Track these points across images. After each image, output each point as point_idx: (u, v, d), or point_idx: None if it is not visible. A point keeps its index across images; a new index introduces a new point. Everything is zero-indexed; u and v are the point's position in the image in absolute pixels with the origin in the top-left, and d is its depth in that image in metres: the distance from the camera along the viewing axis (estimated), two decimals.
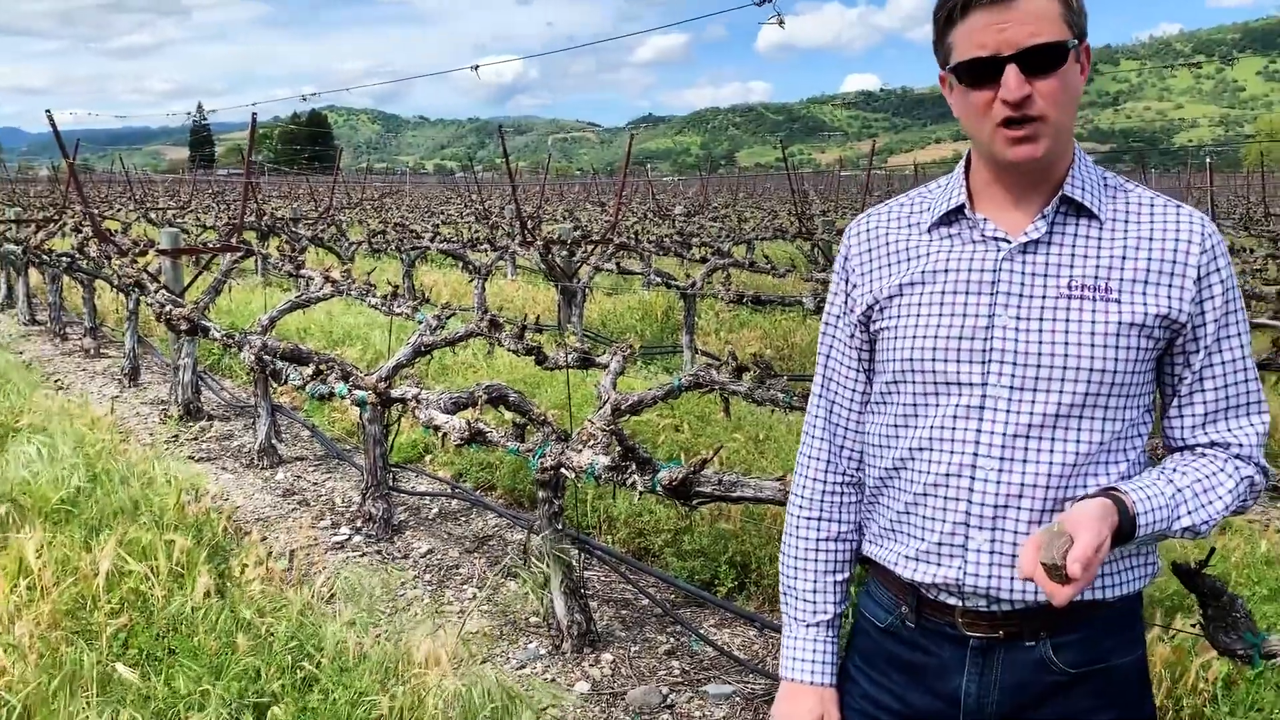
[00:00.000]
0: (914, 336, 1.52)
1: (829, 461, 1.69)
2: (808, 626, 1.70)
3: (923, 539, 1.53)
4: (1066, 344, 1.44)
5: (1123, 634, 1.54)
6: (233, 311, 10.50)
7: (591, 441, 3.43)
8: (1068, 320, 1.44)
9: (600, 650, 3.87)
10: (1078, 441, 1.45)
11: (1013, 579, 1.47)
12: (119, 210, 23.29)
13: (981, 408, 1.47)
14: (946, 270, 1.52)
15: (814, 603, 1.69)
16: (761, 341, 9.42)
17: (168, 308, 6.12)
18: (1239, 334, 1.50)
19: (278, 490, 5.92)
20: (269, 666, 3.09)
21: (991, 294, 1.48)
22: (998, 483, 1.46)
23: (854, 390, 1.66)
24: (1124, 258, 1.46)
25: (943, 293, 1.51)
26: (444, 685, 3.04)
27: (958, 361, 1.48)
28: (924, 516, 1.52)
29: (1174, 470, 1.49)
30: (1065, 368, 1.44)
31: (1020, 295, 1.47)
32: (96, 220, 9.49)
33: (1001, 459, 1.46)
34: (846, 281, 1.65)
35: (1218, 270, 1.47)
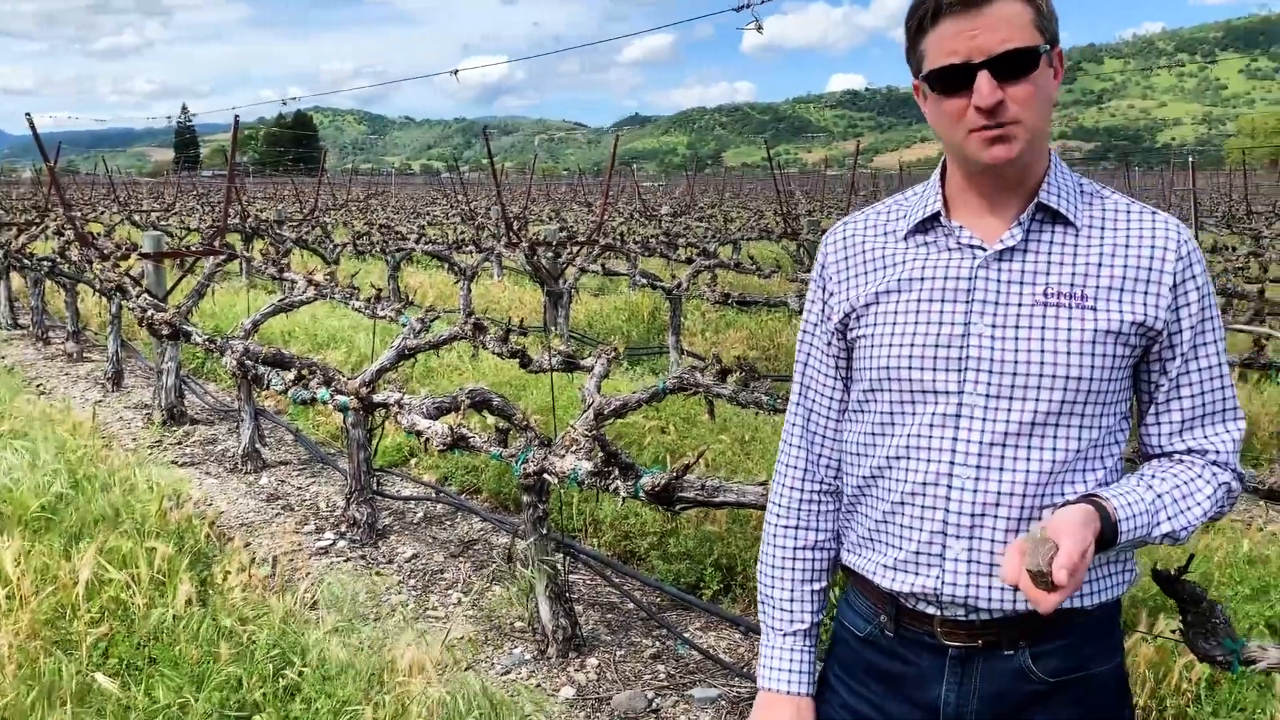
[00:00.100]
0: (890, 344, 1.51)
1: (806, 469, 1.68)
2: (785, 635, 1.69)
3: (900, 548, 1.52)
4: (1043, 351, 1.44)
5: (1101, 641, 1.54)
6: (216, 314, 10.44)
7: (574, 447, 3.42)
8: (1044, 328, 1.44)
9: (586, 655, 3.86)
10: (1054, 449, 1.45)
11: (991, 588, 1.47)
12: (103, 213, 23.15)
13: (958, 416, 1.47)
14: (922, 278, 1.52)
15: (791, 611, 1.69)
16: (747, 342, 9.43)
17: (149, 312, 6.08)
18: (1215, 340, 1.50)
19: (261, 495, 5.89)
20: (251, 675, 3.07)
21: (967, 302, 1.48)
22: (974, 491, 1.46)
23: (832, 398, 1.66)
24: (1100, 265, 1.46)
25: (919, 300, 1.51)
26: (428, 693, 3.03)
27: (934, 369, 1.48)
28: (902, 525, 1.52)
29: (1153, 476, 1.49)
30: (1041, 375, 1.44)
31: (996, 303, 1.46)
32: (78, 224, 9.43)
33: (978, 467, 1.45)
34: (824, 289, 1.64)
35: (1194, 277, 1.47)
